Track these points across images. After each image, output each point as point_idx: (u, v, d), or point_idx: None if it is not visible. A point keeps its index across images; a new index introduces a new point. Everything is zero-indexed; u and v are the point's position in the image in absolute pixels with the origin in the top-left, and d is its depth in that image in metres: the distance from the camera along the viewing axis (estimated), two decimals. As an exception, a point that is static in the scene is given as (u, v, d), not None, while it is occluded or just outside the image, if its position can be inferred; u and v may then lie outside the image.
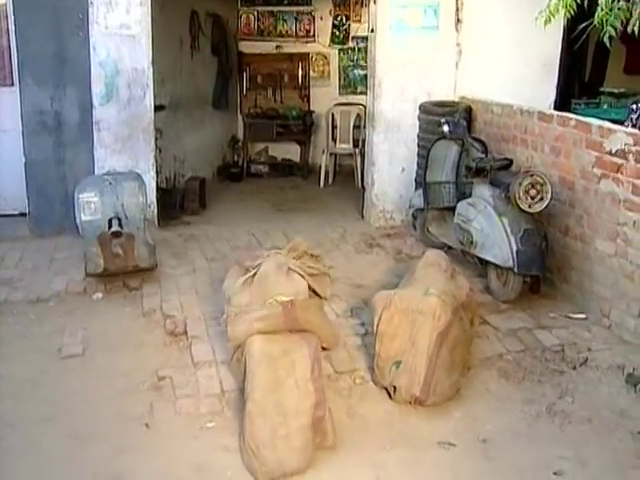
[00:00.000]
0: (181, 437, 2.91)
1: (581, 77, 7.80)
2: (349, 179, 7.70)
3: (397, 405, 3.16)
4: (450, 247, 4.84)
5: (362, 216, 6.20)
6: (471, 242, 4.37)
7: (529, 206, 4.01)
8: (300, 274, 3.21)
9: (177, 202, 6.32)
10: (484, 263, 4.38)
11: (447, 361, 3.18)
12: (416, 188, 5.49)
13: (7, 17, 5.26)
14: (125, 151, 5.34)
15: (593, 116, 4.46)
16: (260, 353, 2.88)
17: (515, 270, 4.04)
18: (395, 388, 3.15)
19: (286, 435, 2.72)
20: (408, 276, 3.74)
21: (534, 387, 3.34)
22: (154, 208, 5.46)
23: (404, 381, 3.13)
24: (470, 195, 4.57)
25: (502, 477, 2.73)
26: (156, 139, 5.57)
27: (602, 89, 6.70)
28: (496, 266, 4.21)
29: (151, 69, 5.31)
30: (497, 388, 3.34)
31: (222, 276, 4.46)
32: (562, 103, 5.98)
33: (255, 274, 3.23)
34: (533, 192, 3.99)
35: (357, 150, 7.63)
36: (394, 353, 3.20)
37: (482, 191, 4.38)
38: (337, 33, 8.56)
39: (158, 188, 5.65)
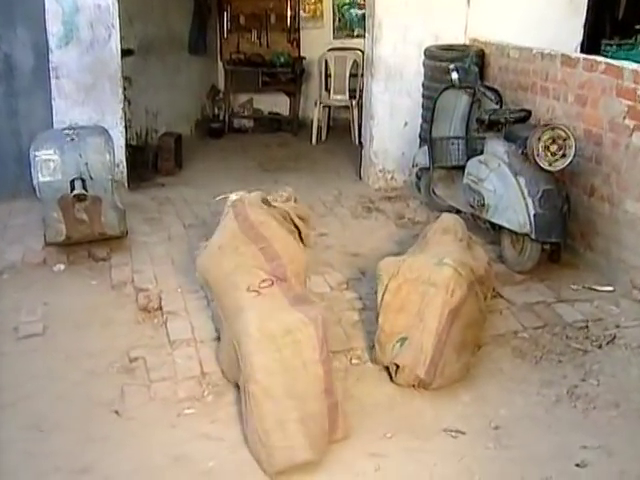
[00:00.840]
0: (156, 425, 2.91)
1: (614, 14, 7.64)
2: (345, 135, 7.68)
3: (399, 387, 3.15)
4: (459, 211, 4.82)
5: (359, 177, 6.21)
6: (482, 205, 4.36)
7: (549, 164, 3.98)
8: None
9: (150, 161, 6.29)
10: (497, 229, 4.37)
11: (458, 341, 3.16)
12: (420, 144, 5.48)
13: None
14: (89, 102, 5.26)
15: (626, 59, 4.38)
16: (259, 332, 2.85)
17: (532, 236, 4.02)
18: (397, 367, 3.14)
19: (299, 420, 2.70)
20: (419, 241, 3.72)
21: (554, 368, 3.34)
22: (123, 168, 5.44)
23: (408, 360, 3.11)
24: (482, 152, 4.54)
25: (517, 468, 2.73)
26: (124, 89, 5.50)
27: (638, 27, 6.60)
28: (511, 232, 4.20)
29: (116, 6, 5.20)
30: (511, 369, 3.33)
31: (200, 244, 4.51)
32: (591, 45, 5.89)
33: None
34: (554, 147, 3.96)
35: (354, 102, 7.57)
36: (399, 328, 3.19)
37: (495, 147, 4.36)
38: (331, -35, 8.41)
39: (128, 145, 5.61)
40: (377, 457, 2.76)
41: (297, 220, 3.44)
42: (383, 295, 3.25)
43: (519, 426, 2.96)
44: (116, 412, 2.97)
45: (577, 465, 2.72)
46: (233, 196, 3.28)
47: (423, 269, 3.24)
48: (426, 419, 3.00)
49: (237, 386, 3.02)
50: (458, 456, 2.78)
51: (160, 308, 3.75)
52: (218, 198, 3.41)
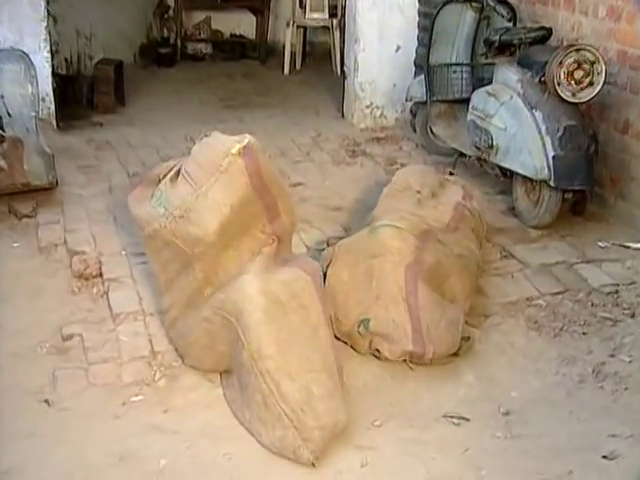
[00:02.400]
0: (96, 417, 2.90)
1: None
2: (324, 63, 7.65)
3: (388, 366, 3.17)
4: (462, 154, 4.85)
5: (342, 114, 6.20)
6: (491, 146, 4.35)
7: (573, 94, 3.96)
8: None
9: (83, 95, 6.23)
10: (508, 175, 4.38)
11: (432, 297, 3.19)
12: (416, 74, 5.47)
13: None
14: (2, 19, 5.18)
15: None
16: (265, 297, 2.87)
17: (551, 183, 4.02)
18: (379, 352, 3.17)
19: (326, 395, 2.76)
20: (372, 212, 3.79)
21: (576, 341, 3.36)
22: (50, 103, 5.39)
23: (387, 341, 3.13)
24: (491, 81, 4.53)
25: (531, 461, 2.73)
26: (48, 2, 5.43)
27: None
28: (525, 179, 4.20)
29: None
30: (525, 343, 3.35)
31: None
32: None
33: (180, 167, 3.18)
34: (579, 74, 3.94)
35: (335, 21, 7.51)
36: (356, 312, 3.21)
37: (507, 75, 4.33)
38: None
39: (55, 74, 5.55)
40: (364, 450, 2.76)
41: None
42: (324, 283, 3.27)
43: (534, 411, 2.97)
44: (46, 402, 2.95)
45: (604, 457, 2.73)
46: (233, 142, 3.07)
47: (359, 246, 3.30)
48: (422, 404, 3.01)
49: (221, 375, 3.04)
50: (461, 447, 2.79)
51: (100, 275, 3.73)
52: (202, 137, 3.30)
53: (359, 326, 3.19)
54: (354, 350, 3.26)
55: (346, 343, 3.28)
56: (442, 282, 3.27)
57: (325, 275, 3.30)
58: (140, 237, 3.38)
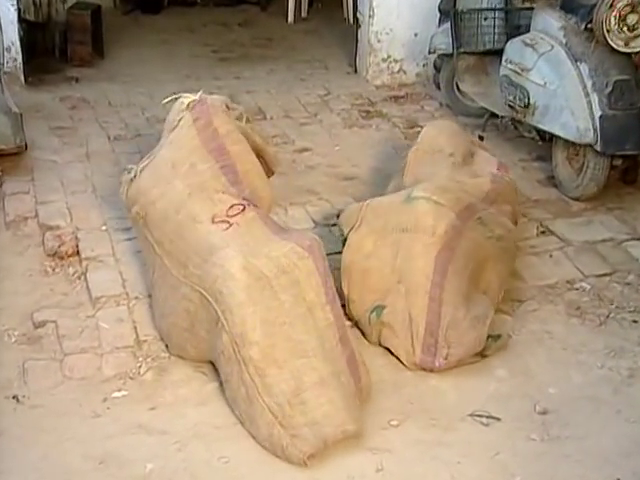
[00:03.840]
0: (73, 415, 2.91)
1: None
2: (334, 9, 7.56)
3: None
4: (493, 115, 4.82)
5: (355, 69, 6.18)
6: (527, 105, 4.33)
7: (625, 43, 3.93)
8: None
9: (55, 45, 6.17)
10: (547, 139, 4.37)
11: (460, 290, 3.17)
12: (441, 21, 5.39)
13: None
14: None
15: None
16: (246, 273, 2.87)
17: (598, 148, 4.01)
18: (389, 351, 3.18)
19: (319, 384, 2.76)
20: (400, 171, 3.78)
21: (625, 330, 3.36)
22: (16, 54, 5.37)
23: (397, 337, 3.13)
24: (528, 29, 4.50)
25: (572, 467, 2.74)
26: None
27: None
28: (567, 143, 4.19)
29: None
30: (565, 332, 3.35)
31: (134, 164, 4.47)
32: None
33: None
34: (633, 19, 3.91)
35: (346, -40, 7.40)
36: (371, 295, 3.22)
37: (548, 21, 4.30)
38: None
39: (22, 20, 5.51)
40: (379, 453, 2.77)
41: (260, 141, 3.49)
42: (342, 253, 3.28)
43: (575, 411, 2.97)
44: (15, 398, 2.96)
45: (658, 463, 2.76)
46: (186, 98, 3.30)
47: (390, 212, 3.28)
48: (446, 401, 3.01)
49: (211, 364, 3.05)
50: (490, 451, 2.79)
51: (77, 253, 3.74)
52: (166, 101, 3.44)
53: (372, 312, 3.20)
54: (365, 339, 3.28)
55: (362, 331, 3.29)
56: (477, 270, 3.26)
57: (345, 241, 3.28)
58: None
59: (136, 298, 3.43)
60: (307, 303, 2.91)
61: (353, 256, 3.28)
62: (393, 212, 3.29)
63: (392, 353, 3.20)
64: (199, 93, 3.26)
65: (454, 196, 3.32)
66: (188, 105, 3.23)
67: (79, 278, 3.59)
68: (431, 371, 3.11)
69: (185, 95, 3.39)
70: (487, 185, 3.59)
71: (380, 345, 3.23)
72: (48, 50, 6.11)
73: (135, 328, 3.28)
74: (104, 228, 3.92)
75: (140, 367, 3.11)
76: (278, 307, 2.86)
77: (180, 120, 3.28)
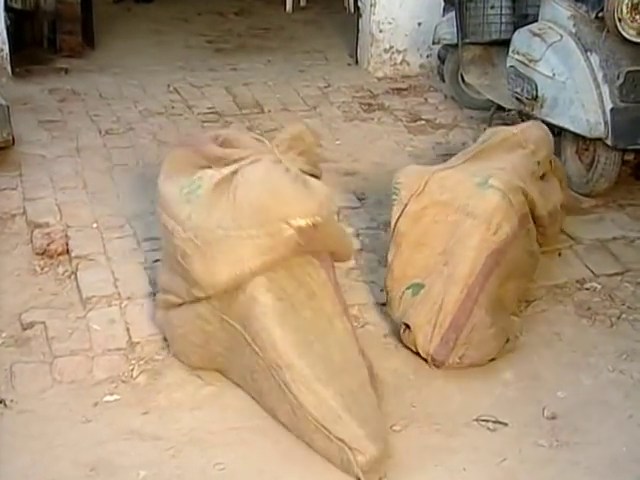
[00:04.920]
0: (63, 420, 2.90)
1: None
2: (334, -2, 7.61)
3: (412, 360, 3.18)
4: (500, 107, 4.85)
5: (356, 60, 6.21)
6: (535, 98, 4.34)
7: (638, 32, 3.93)
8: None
9: (44, 35, 6.18)
10: (556, 132, 4.32)
11: (495, 298, 3.17)
12: (445, 10, 5.43)
13: None
14: None
15: None
16: (269, 295, 2.86)
17: (608, 142, 4.02)
18: (408, 328, 3.15)
19: (356, 400, 2.79)
20: (468, 149, 3.69)
21: (637, 332, 3.37)
22: (3, 44, 5.39)
23: (421, 319, 3.12)
24: (536, 19, 4.52)
25: (582, 474, 2.74)
26: None
27: None
28: (576, 136, 4.20)
29: None
30: (575, 333, 3.36)
31: (126, 159, 4.49)
32: None
33: (235, 173, 3.02)
34: (646, 7, 3.93)
35: (347, -53, 7.44)
36: (414, 270, 3.21)
37: (557, 10, 4.31)
38: None
39: (8, 9, 5.51)
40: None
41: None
42: (397, 220, 3.25)
43: (585, 415, 2.97)
44: (3, 403, 2.96)
45: (671, 469, 2.76)
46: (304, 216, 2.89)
47: (459, 189, 3.23)
48: (450, 405, 3.01)
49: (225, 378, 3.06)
50: (497, 457, 2.79)
51: (67, 252, 3.74)
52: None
53: (409, 287, 3.19)
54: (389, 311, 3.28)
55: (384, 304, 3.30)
56: (510, 280, 3.26)
57: (404, 207, 3.25)
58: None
59: (128, 298, 3.42)
60: (326, 315, 2.94)
61: (409, 227, 3.25)
62: (462, 191, 3.24)
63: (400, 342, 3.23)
64: (317, 218, 2.86)
65: (521, 200, 3.29)
66: (300, 228, 2.86)
67: (69, 277, 3.59)
68: (438, 366, 3.11)
69: (302, 193, 2.92)
70: (549, 207, 3.54)
71: (399, 320, 3.21)
72: (36, 40, 6.12)
73: (127, 329, 3.28)
74: (95, 226, 3.92)
75: (133, 370, 3.11)
76: (303, 325, 2.88)
77: (281, 232, 2.86)
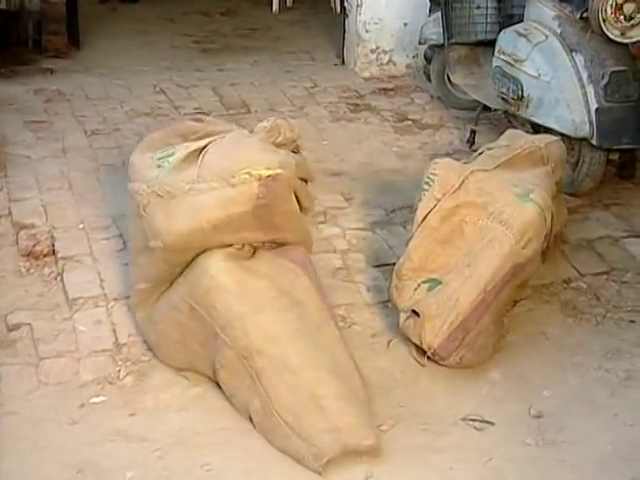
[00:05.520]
0: (49, 422, 2.90)
1: None
2: (320, -1, 7.61)
3: (398, 360, 3.19)
4: (486, 108, 4.83)
5: (342, 60, 6.20)
6: (521, 98, 4.34)
7: (622, 33, 3.94)
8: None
9: (29, 35, 6.14)
10: (542, 132, 4.30)
11: (502, 307, 3.19)
12: (431, 10, 5.42)
13: None
14: None
15: None
16: (239, 285, 2.90)
17: (594, 142, 4.03)
18: (417, 315, 3.13)
19: (339, 397, 2.81)
20: (493, 150, 3.62)
21: (622, 331, 3.37)
22: None
23: (429, 312, 3.10)
24: (521, 19, 4.52)
25: (568, 473, 2.74)
26: None
27: None
28: (562, 136, 4.12)
29: None
30: (561, 332, 3.36)
31: (112, 160, 4.49)
32: None
33: (206, 146, 3.11)
34: (630, 8, 3.91)
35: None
36: (434, 265, 3.20)
37: (542, 10, 4.32)
38: None
39: None
40: (368, 459, 2.76)
41: (301, 188, 3.24)
42: (428, 213, 3.23)
43: (571, 414, 2.98)
44: (-12, 404, 2.95)
45: (656, 468, 2.77)
46: (261, 165, 3.00)
47: (498, 195, 3.23)
48: (438, 404, 3.02)
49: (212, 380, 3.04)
50: (484, 456, 2.80)
51: (53, 253, 3.73)
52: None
53: (426, 282, 3.18)
54: (391, 297, 3.28)
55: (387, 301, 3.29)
56: (518, 290, 3.29)
57: (438, 202, 3.23)
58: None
59: (115, 299, 3.42)
60: (313, 321, 2.95)
61: (439, 222, 3.23)
62: (501, 198, 3.23)
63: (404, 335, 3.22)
64: (278, 170, 2.99)
65: (550, 219, 3.30)
66: (260, 177, 2.96)
67: (55, 279, 3.58)
68: (437, 361, 3.12)
69: (265, 151, 3.09)
70: (561, 225, 3.59)
71: (407, 307, 3.19)
72: (21, 40, 6.08)
73: (114, 331, 3.27)
74: (81, 227, 3.91)
75: (119, 371, 3.11)
76: (285, 323, 2.90)
77: (243, 184, 2.98)
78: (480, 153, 3.61)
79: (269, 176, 2.96)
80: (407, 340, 3.24)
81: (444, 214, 3.24)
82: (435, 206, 3.25)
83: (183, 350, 3.06)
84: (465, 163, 3.51)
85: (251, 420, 2.88)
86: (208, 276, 2.93)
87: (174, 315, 3.05)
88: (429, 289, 3.17)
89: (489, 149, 3.60)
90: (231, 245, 3.03)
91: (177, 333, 3.05)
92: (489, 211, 3.22)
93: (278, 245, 3.13)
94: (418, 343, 3.14)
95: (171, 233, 2.97)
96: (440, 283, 3.17)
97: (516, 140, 3.63)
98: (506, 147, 3.57)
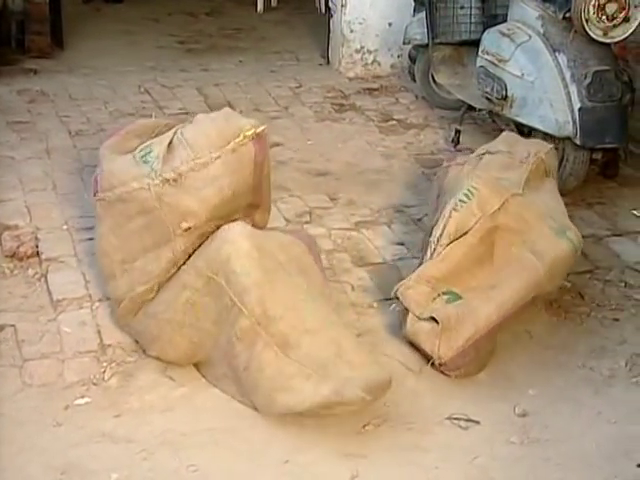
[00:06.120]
0: (33, 423, 2.88)
1: None
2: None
3: (384, 360, 3.16)
4: (470, 107, 4.84)
5: (327, 60, 6.21)
6: (504, 97, 4.35)
7: (604, 32, 3.96)
8: None
9: (12, 35, 6.13)
10: (526, 132, 4.36)
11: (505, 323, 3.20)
12: (416, 10, 5.42)
13: None
14: None
15: None
16: (258, 251, 2.95)
17: (577, 141, 4.04)
18: (435, 322, 3.10)
19: (357, 349, 2.92)
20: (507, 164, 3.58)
21: (606, 329, 3.38)
22: None
23: (448, 324, 3.07)
24: (505, 19, 4.53)
25: (552, 471, 2.75)
26: None
27: None
28: (546, 135, 4.19)
29: None
30: (545, 331, 3.37)
31: (95, 161, 4.41)
32: None
33: (176, 133, 3.16)
34: (612, 8, 3.93)
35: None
36: (459, 279, 3.17)
37: (525, 10, 4.33)
38: None
39: None
40: (354, 458, 2.77)
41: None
42: (468, 231, 3.19)
43: (556, 413, 2.98)
44: (-27, 406, 2.93)
45: None
46: (248, 124, 3.12)
47: (534, 225, 3.25)
48: (423, 404, 3.02)
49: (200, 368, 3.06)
50: (469, 455, 2.80)
51: (37, 254, 3.72)
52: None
53: (445, 294, 3.16)
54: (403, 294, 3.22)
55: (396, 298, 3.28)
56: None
57: (479, 219, 3.21)
58: (97, 200, 3.23)
59: (99, 300, 3.40)
60: (318, 289, 3.04)
61: (479, 241, 3.21)
62: (537, 228, 3.25)
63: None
64: (262, 127, 3.12)
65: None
66: (253, 136, 3.08)
67: (39, 280, 3.56)
68: (442, 372, 3.11)
69: (239, 117, 3.26)
70: None
71: (425, 315, 3.15)
72: (4, 41, 6.06)
73: (99, 332, 3.26)
74: (65, 227, 3.90)
75: (104, 373, 3.09)
76: (296, 287, 2.96)
77: (242, 146, 3.09)
78: (481, 154, 3.61)
79: (258, 134, 3.07)
80: (396, 340, 3.25)
81: (483, 234, 3.22)
82: (476, 223, 3.21)
83: (191, 334, 3.04)
84: (466, 163, 3.53)
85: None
86: (229, 243, 2.96)
87: (186, 295, 3.04)
88: (448, 301, 3.15)
89: (490, 153, 3.59)
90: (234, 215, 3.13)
91: (187, 316, 3.04)
92: (523, 239, 3.23)
93: (253, 209, 3.22)
94: (428, 350, 3.10)
95: (204, 207, 3.03)
96: (460, 298, 3.15)
97: (515, 145, 3.64)
98: (508, 153, 3.56)
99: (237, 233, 2.99)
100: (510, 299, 3.13)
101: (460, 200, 3.24)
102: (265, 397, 2.86)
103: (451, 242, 3.20)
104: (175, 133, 3.14)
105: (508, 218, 3.26)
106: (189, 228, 3.04)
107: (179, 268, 3.10)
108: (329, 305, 3.07)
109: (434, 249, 3.22)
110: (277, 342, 2.84)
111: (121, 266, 3.19)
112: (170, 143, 3.11)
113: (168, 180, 3.02)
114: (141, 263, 3.14)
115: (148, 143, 3.17)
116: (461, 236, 3.22)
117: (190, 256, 3.08)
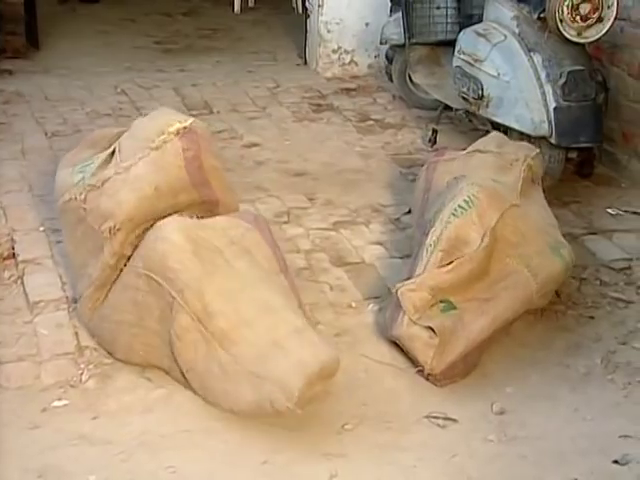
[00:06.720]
0: (10, 426, 2.87)
1: None
2: (282, -1, 7.61)
3: (362, 359, 3.18)
4: (447, 107, 4.85)
5: (304, 60, 6.25)
6: (481, 97, 4.37)
7: (578, 33, 3.98)
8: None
9: (-14, 36, 6.08)
10: (502, 131, 4.33)
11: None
12: (392, 10, 5.44)
13: None
14: None
15: None
16: (193, 243, 2.91)
17: (552, 140, 4.06)
18: (433, 332, 3.10)
19: (296, 332, 2.85)
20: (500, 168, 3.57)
21: (582, 327, 3.40)
22: None
23: (447, 336, 3.07)
24: (481, 19, 4.54)
25: (530, 468, 2.76)
26: None
27: None
28: (521, 135, 4.21)
29: None
30: (522, 330, 3.37)
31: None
32: None
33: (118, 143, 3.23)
34: (586, 8, 3.94)
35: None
36: (454, 290, 3.16)
37: (501, 11, 4.35)
38: None
39: None
40: (333, 458, 2.77)
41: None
42: (481, 243, 3.16)
43: (533, 410, 3.00)
44: (-52, 409, 2.92)
45: (616, 462, 2.77)
46: (174, 121, 3.16)
47: (530, 240, 3.26)
48: (401, 403, 3.02)
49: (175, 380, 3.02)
50: (447, 453, 2.81)
51: (13, 256, 3.71)
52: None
53: (442, 301, 3.16)
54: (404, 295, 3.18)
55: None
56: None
57: (487, 231, 3.18)
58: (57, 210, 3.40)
59: (76, 302, 3.37)
60: (263, 270, 2.99)
61: (485, 258, 3.19)
62: (533, 242, 3.27)
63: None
64: (190, 120, 3.14)
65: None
66: (178, 131, 3.10)
67: (15, 282, 3.55)
68: (432, 381, 3.10)
69: (171, 114, 3.30)
70: None
71: (423, 323, 3.13)
72: (-23, 41, 6.02)
73: (76, 334, 3.25)
74: (41, 229, 3.89)
75: (82, 374, 3.08)
76: (235, 275, 2.91)
77: (165, 142, 3.12)
78: (471, 152, 3.64)
79: (185, 127, 3.09)
80: (374, 339, 3.27)
81: (489, 250, 3.20)
82: (482, 238, 3.18)
83: (141, 333, 3.04)
84: (455, 160, 3.59)
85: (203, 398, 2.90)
86: (162, 240, 2.94)
87: (129, 295, 3.05)
88: (443, 310, 3.16)
89: (481, 152, 3.61)
90: (176, 212, 3.10)
91: (133, 315, 3.04)
92: (519, 252, 3.24)
93: (213, 207, 3.20)
94: (419, 359, 3.10)
95: (121, 208, 3.05)
96: (454, 308, 3.16)
97: (504, 146, 3.66)
98: (498, 154, 3.58)
99: (170, 228, 2.97)
100: (503, 315, 3.16)
101: (459, 206, 3.24)
102: (213, 397, 2.88)
103: (451, 247, 3.19)
104: (116, 144, 3.21)
105: (506, 230, 3.26)
106: (111, 230, 3.05)
107: (121, 270, 3.12)
108: (273, 285, 2.98)
109: (431, 252, 3.21)
110: (218, 339, 2.82)
111: (79, 271, 3.29)
112: (113, 152, 3.18)
113: (92, 188, 3.11)
114: (90, 268, 3.20)
115: (90, 159, 3.27)
116: (462, 249, 3.19)
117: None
